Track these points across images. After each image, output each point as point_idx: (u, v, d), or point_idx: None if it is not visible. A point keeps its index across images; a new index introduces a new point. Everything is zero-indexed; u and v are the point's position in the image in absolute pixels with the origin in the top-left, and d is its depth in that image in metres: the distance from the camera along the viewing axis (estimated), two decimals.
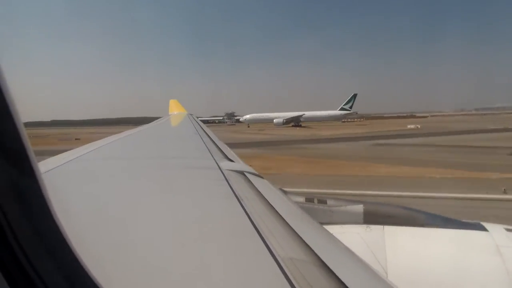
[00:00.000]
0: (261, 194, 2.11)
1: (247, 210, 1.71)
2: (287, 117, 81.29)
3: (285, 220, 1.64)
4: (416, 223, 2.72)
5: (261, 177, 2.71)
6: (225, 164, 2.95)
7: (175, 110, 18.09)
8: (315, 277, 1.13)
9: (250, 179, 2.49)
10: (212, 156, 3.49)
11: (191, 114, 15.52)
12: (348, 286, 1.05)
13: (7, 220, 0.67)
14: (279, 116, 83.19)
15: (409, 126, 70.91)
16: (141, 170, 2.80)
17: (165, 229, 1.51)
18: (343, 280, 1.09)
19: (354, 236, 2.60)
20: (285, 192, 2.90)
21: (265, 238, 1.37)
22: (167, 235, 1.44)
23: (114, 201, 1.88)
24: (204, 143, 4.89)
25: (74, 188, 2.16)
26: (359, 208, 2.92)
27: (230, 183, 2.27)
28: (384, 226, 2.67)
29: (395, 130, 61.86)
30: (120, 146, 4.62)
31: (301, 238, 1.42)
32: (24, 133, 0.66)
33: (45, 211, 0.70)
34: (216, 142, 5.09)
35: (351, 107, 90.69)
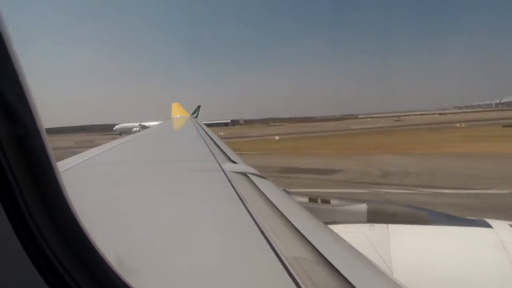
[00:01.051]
0: (265, 195, 2.12)
1: (251, 211, 1.72)
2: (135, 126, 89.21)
3: (289, 220, 1.64)
4: (420, 221, 2.72)
5: (264, 178, 2.71)
6: (228, 166, 2.96)
7: (178, 113, 18.16)
8: (320, 275, 1.13)
9: (253, 180, 2.49)
10: (215, 158, 3.50)
11: (193, 117, 15.61)
12: (354, 284, 1.06)
13: (32, 219, 0.70)
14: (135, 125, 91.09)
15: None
16: (146, 174, 2.82)
17: (171, 232, 1.53)
18: (348, 278, 1.09)
19: (358, 235, 2.60)
20: (288, 193, 2.91)
21: (269, 238, 1.38)
22: (173, 238, 1.45)
23: (121, 205, 1.90)
24: (207, 145, 4.91)
25: (80, 193, 2.18)
26: (363, 207, 2.92)
27: (233, 184, 2.28)
28: (388, 224, 2.67)
29: None
30: (125, 150, 4.65)
31: (305, 237, 1.43)
32: (45, 133, 0.70)
33: (66, 212, 0.74)
34: (218, 144, 5.11)
35: (196, 116, 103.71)
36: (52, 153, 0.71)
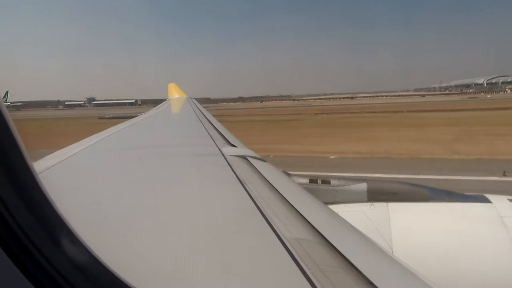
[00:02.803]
0: (265, 177, 2.12)
1: (251, 194, 1.72)
2: None
3: (289, 202, 1.65)
4: (420, 199, 2.74)
5: (264, 161, 2.72)
6: (227, 150, 2.96)
7: (175, 94, 17.80)
8: (321, 255, 1.15)
9: (253, 163, 2.50)
10: (214, 142, 3.50)
11: (190, 98, 15.42)
12: (353, 263, 1.07)
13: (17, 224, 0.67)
14: None
15: None
16: (147, 160, 2.82)
17: (173, 217, 1.54)
18: (348, 258, 1.11)
19: (359, 214, 2.62)
20: (288, 174, 2.91)
21: (270, 220, 1.39)
22: (175, 223, 1.46)
23: (123, 192, 1.91)
24: (206, 129, 4.89)
25: (83, 181, 2.20)
26: (363, 186, 2.93)
27: (233, 168, 2.28)
28: (388, 203, 2.68)
29: None
30: (124, 136, 4.64)
31: (305, 218, 1.44)
32: (14, 127, 0.66)
33: (44, 203, 0.70)
34: (216, 127, 5.09)
35: (6, 100, 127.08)
36: (24, 148, 0.67)
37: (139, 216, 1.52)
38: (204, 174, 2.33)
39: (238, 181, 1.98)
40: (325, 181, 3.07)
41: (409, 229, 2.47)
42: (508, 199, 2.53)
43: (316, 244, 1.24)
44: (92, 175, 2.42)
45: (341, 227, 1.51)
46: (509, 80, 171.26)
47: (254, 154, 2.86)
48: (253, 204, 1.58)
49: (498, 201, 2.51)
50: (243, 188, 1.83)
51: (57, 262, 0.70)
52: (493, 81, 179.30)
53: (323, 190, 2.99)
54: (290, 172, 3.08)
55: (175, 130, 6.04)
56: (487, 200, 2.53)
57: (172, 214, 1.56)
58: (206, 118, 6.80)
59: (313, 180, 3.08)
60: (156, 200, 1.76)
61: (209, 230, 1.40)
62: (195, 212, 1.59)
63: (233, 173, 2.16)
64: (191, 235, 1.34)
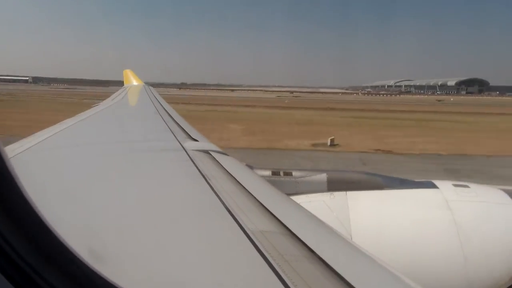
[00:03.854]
0: (227, 171, 2.12)
1: (214, 188, 1.72)
2: None
3: (252, 195, 1.67)
4: (375, 187, 2.90)
5: (226, 155, 2.71)
6: (189, 145, 2.90)
7: (131, 81, 16.89)
8: (284, 246, 1.18)
9: (216, 158, 2.48)
10: (175, 136, 3.42)
11: (147, 85, 14.82)
12: (315, 252, 1.11)
13: None
14: None
15: None
16: (107, 156, 2.69)
17: (136, 212, 1.49)
18: (310, 247, 1.15)
19: (320, 204, 2.72)
20: (251, 167, 2.94)
21: (234, 214, 1.39)
22: (138, 219, 1.42)
23: (83, 190, 1.80)
24: (165, 122, 4.75)
25: (34, 180, 2.03)
26: (323, 177, 3.04)
27: (195, 163, 2.25)
28: (347, 192, 2.81)
29: None
30: (80, 130, 4.36)
31: (269, 210, 1.47)
32: None
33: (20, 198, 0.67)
34: (176, 120, 4.96)
35: None
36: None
37: (101, 213, 1.45)
38: (166, 169, 2.27)
39: (201, 175, 1.96)
40: (287, 173, 3.13)
41: (366, 215, 2.62)
42: (452, 184, 2.76)
43: (279, 235, 1.26)
44: (42, 175, 2.25)
45: (303, 217, 1.55)
46: (407, 84, 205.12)
47: (216, 148, 2.84)
48: (217, 198, 1.58)
49: (444, 186, 2.73)
50: (206, 183, 1.82)
51: (26, 254, 0.67)
52: (399, 84, 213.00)
53: (286, 182, 3.05)
54: (253, 165, 3.11)
55: (134, 123, 5.80)
56: (434, 186, 2.75)
57: (135, 209, 1.52)
58: (165, 109, 6.60)
59: (275, 173, 3.13)
60: (119, 196, 1.70)
61: (173, 224, 1.38)
62: (158, 207, 1.56)
63: (195, 168, 2.13)
64: (155, 230, 1.31)
